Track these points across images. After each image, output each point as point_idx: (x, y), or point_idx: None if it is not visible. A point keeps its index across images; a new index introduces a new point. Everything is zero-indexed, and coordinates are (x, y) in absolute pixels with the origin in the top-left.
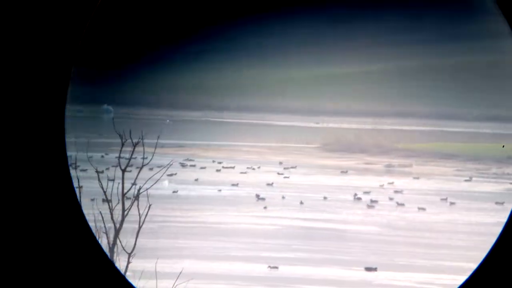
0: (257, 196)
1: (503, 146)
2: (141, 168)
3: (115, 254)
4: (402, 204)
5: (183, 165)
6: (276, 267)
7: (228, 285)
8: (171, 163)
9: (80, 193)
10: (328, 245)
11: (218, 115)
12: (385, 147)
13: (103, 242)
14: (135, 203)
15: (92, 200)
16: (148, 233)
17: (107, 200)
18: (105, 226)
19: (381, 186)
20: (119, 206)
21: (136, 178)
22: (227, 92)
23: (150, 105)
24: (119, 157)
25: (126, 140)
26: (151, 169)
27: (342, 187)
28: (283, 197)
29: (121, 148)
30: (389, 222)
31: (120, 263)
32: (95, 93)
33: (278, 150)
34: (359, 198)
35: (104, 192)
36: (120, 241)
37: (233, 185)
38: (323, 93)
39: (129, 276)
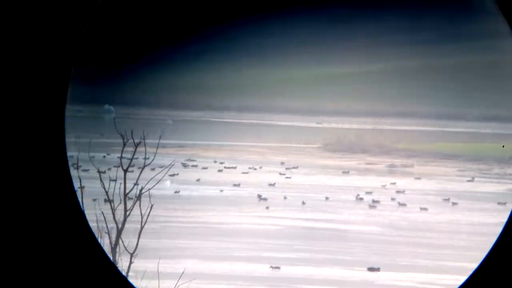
0: (259, 196)
1: (503, 146)
2: (143, 168)
3: (117, 254)
4: (404, 204)
5: (184, 165)
6: (278, 267)
7: (230, 285)
8: (173, 163)
9: (82, 193)
10: (330, 245)
11: (218, 115)
12: (386, 147)
13: (105, 242)
14: (137, 203)
15: (94, 200)
16: (150, 233)
17: (109, 200)
18: (107, 226)
19: (383, 186)
20: (121, 206)
21: (138, 178)
22: (227, 92)
23: (150, 105)
24: (121, 157)
25: (128, 140)
26: (153, 169)
27: (343, 187)
28: (285, 197)
29: (123, 148)
30: (391, 222)
31: (122, 263)
32: (95, 93)
33: (279, 150)
34: (361, 198)
35: (106, 192)
36: (122, 241)
37: (235, 185)
38: (323, 93)
39: (131, 276)
